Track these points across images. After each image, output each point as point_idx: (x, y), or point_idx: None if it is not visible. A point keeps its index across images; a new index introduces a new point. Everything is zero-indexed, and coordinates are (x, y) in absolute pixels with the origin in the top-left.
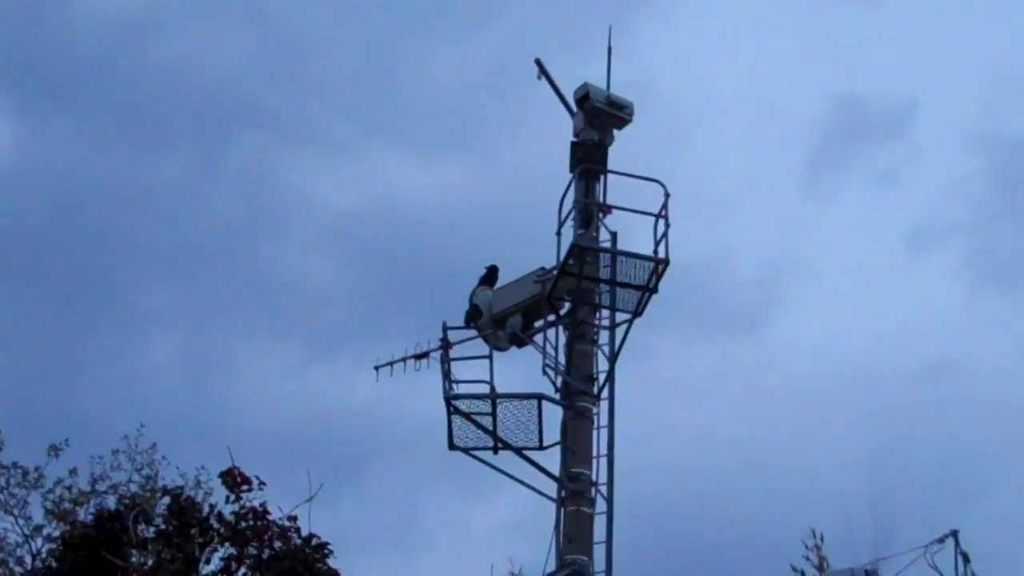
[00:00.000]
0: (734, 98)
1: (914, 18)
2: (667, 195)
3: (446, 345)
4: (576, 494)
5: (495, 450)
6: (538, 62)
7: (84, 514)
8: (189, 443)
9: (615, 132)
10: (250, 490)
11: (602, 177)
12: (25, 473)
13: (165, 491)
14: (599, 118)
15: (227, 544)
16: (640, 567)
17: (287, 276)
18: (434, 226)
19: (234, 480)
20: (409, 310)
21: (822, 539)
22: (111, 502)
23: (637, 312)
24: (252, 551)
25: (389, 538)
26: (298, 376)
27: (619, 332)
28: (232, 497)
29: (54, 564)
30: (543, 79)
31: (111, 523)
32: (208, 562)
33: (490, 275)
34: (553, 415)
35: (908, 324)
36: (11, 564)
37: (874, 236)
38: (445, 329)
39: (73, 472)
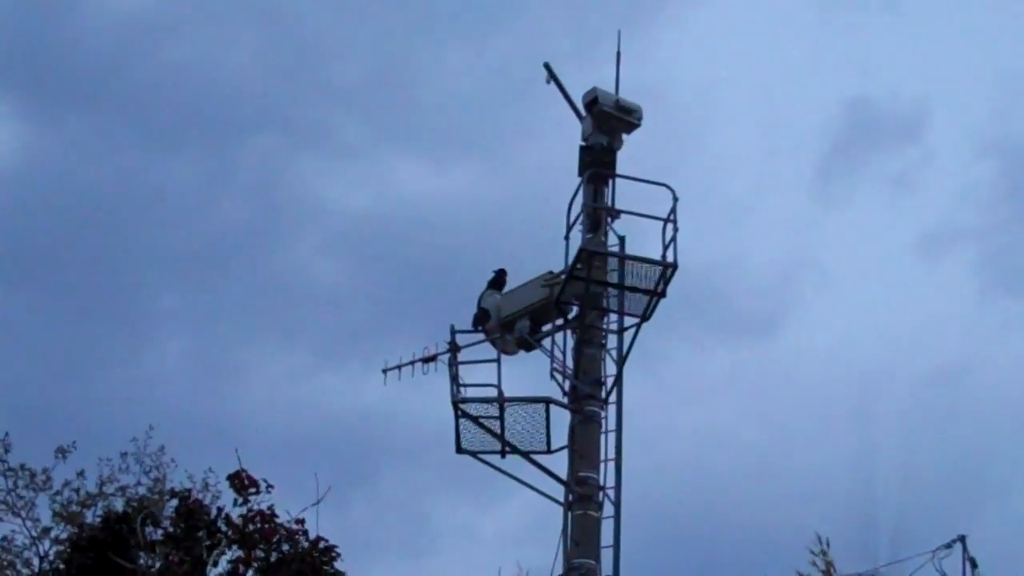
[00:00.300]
0: (746, 102)
1: (926, 22)
2: (675, 199)
3: (454, 349)
4: (584, 498)
5: (503, 454)
6: (547, 66)
7: (92, 516)
8: (199, 446)
9: (624, 136)
10: (258, 493)
11: (611, 181)
12: (33, 475)
13: (173, 494)
14: (608, 122)
15: (235, 547)
16: (648, 571)
17: (298, 279)
18: (445, 229)
19: (242, 483)
20: (419, 313)
21: (828, 544)
22: (119, 504)
23: (645, 316)
24: (260, 554)
25: (399, 541)
26: (308, 379)
27: (627, 336)
28: (240, 500)
29: (62, 566)
30: (552, 83)
31: (119, 525)
32: (216, 565)
33: (498, 279)
34: (561, 419)
35: (919, 328)
36: (19, 566)
37: (886, 240)
38: (453, 333)
39: (81, 474)
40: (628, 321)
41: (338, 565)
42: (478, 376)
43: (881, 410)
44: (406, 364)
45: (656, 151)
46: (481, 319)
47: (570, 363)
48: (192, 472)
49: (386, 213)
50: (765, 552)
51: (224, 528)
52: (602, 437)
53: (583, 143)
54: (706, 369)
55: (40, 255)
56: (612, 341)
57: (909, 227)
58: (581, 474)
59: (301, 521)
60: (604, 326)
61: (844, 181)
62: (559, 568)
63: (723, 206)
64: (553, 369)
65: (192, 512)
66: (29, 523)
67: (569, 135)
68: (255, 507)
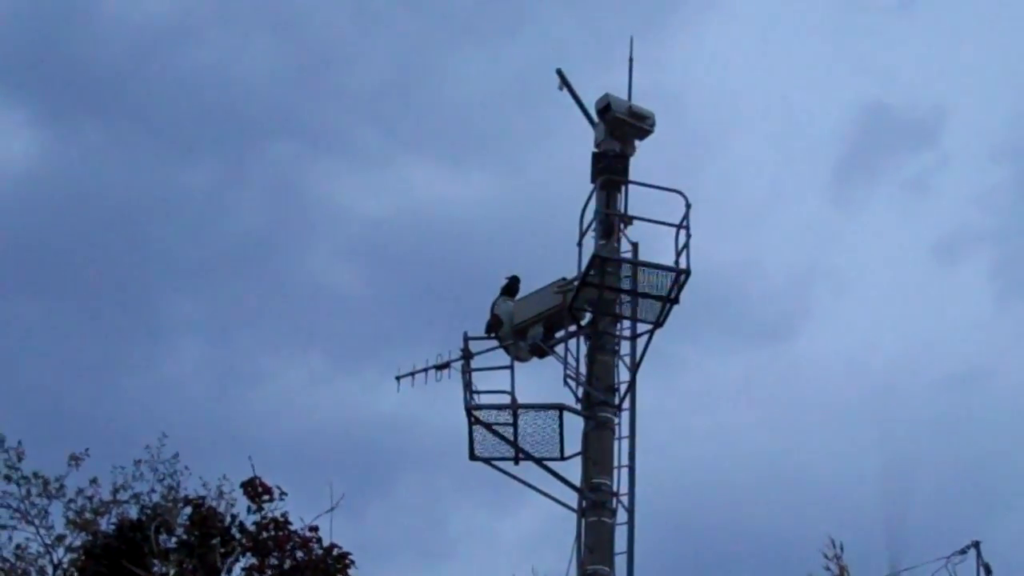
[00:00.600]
0: (762, 107)
1: (943, 26)
2: (688, 205)
3: (467, 355)
4: (597, 504)
5: (516, 460)
6: (559, 72)
7: (106, 524)
8: (214, 453)
9: (636, 143)
10: (271, 500)
11: (623, 188)
12: (46, 483)
13: (187, 501)
14: (620, 129)
15: (248, 554)
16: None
17: (314, 285)
18: (460, 236)
19: (256, 490)
20: (436, 320)
21: (842, 549)
22: (133, 512)
23: (658, 323)
24: (274, 561)
25: (415, 547)
26: (324, 385)
27: (640, 343)
28: (254, 507)
29: (76, 574)
30: (564, 90)
31: (133, 533)
32: (230, 572)
33: (511, 285)
34: (574, 426)
35: (936, 334)
36: (33, 574)
37: (902, 246)
38: (466, 339)
39: (94, 482)
40: (641, 327)
41: (352, 572)
42: (491, 383)
43: (897, 416)
44: (419, 371)
45: (671, 156)
46: (494, 326)
47: (583, 370)
48: (206, 479)
49: (402, 219)
50: (779, 557)
51: (238, 535)
52: (616, 443)
53: (596, 149)
54: (721, 374)
55: (56, 261)
56: (625, 347)
57: (925, 232)
58: (595, 480)
59: (315, 528)
60: (617, 332)
61: (860, 186)
62: (573, 575)
63: (739, 211)
64: (566, 376)
65: (206, 519)
66: (43, 531)
67: (583, 141)
68: (269, 514)
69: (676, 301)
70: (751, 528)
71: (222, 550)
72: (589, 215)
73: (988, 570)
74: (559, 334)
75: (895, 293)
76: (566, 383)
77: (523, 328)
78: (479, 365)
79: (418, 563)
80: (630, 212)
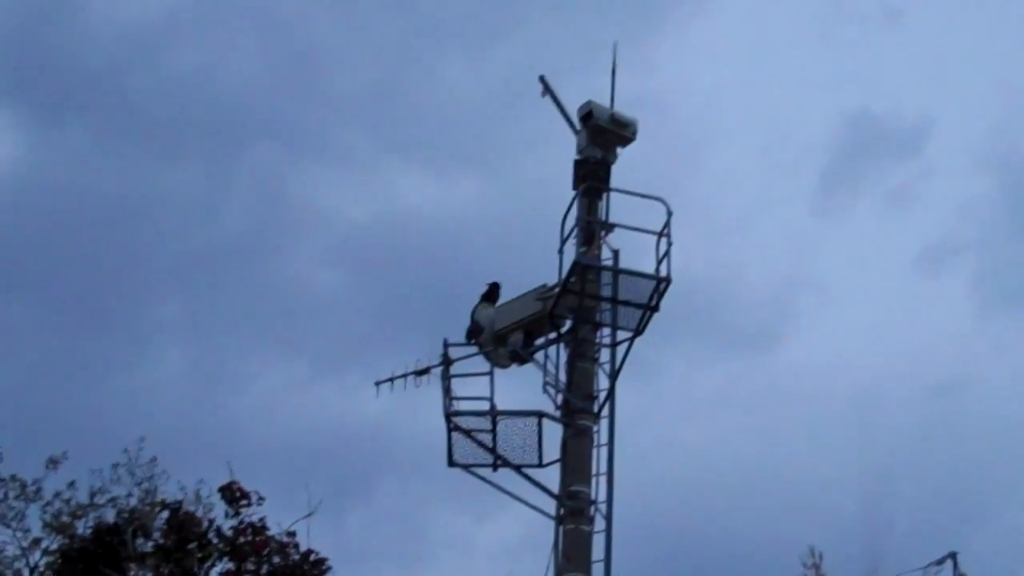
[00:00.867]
0: (747, 115)
1: (928, 37)
2: (669, 213)
3: (447, 362)
4: (575, 512)
5: (495, 467)
6: (542, 79)
7: (83, 527)
8: (195, 456)
9: (619, 150)
10: (249, 505)
11: (605, 195)
12: (24, 486)
13: (164, 505)
14: (603, 136)
15: (226, 559)
16: None
17: (297, 289)
18: (443, 241)
19: (233, 495)
20: (419, 325)
21: (821, 558)
22: (110, 516)
23: (638, 331)
24: (251, 566)
25: (394, 553)
26: (306, 389)
27: (620, 350)
28: (231, 512)
29: None
30: (547, 97)
31: (110, 537)
32: None
33: (492, 292)
34: (553, 433)
35: (917, 344)
36: None
37: (885, 255)
38: (446, 345)
39: (72, 485)
40: (621, 335)
41: None
42: (471, 389)
43: (878, 425)
44: (399, 377)
45: (656, 164)
46: (474, 332)
47: (563, 377)
48: (184, 484)
49: (385, 224)
50: (759, 565)
51: (215, 540)
52: (594, 451)
53: (578, 157)
54: (704, 382)
55: (39, 262)
56: (605, 355)
57: (908, 242)
58: (573, 488)
59: (292, 534)
60: (597, 340)
61: (844, 195)
62: None
63: (723, 219)
64: (546, 383)
65: (183, 524)
66: (20, 534)
67: (567, 148)
68: (246, 519)
69: (656, 309)
70: (731, 536)
71: (199, 555)
72: (570, 222)
73: None
74: (539, 341)
75: (877, 303)
76: (545, 390)
77: (503, 335)
78: (459, 371)
79: (397, 569)
80: (612, 219)
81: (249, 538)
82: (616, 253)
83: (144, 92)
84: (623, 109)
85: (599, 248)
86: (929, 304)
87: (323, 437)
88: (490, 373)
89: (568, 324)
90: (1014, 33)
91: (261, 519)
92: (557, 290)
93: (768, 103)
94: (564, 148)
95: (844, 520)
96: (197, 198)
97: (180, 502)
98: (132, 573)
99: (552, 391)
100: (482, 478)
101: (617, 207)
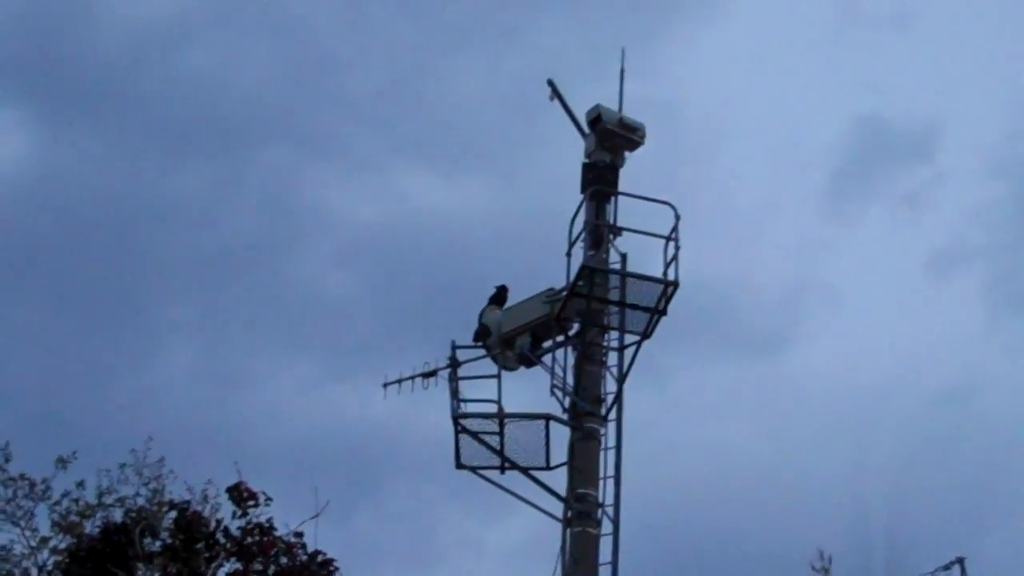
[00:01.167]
0: (757, 119)
1: (939, 41)
2: (677, 217)
3: (454, 364)
4: (582, 515)
5: (502, 469)
6: (551, 83)
7: (91, 527)
8: (204, 457)
9: (627, 154)
10: (257, 506)
11: (613, 199)
12: (32, 485)
13: (172, 505)
14: (611, 140)
15: (233, 559)
16: None
17: (307, 290)
18: (453, 244)
19: (240, 495)
20: (428, 326)
21: (830, 561)
22: (118, 515)
23: (646, 334)
24: (258, 567)
25: (403, 555)
26: (316, 391)
27: (628, 354)
28: (239, 512)
29: None
30: (555, 100)
31: (118, 536)
32: None
33: (499, 295)
34: (560, 436)
35: (927, 348)
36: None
37: (895, 259)
38: (453, 348)
39: (80, 485)
40: (629, 339)
41: None
42: (478, 392)
43: (887, 429)
44: (406, 379)
45: (665, 168)
46: (482, 335)
47: (570, 380)
48: (192, 484)
49: (396, 226)
50: (767, 569)
51: (223, 540)
52: (602, 454)
53: (586, 160)
54: (713, 386)
55: (49, 263)
56: (613, 358)
57: (919, 246)
58: (580, 491)
59: (300, 534)
60: (605, 343)
61: (855, 199)
62: None
63: (733, 223)
64: (553, 386)
65: (191, 524)
66: (28, 533)
67: (575, 152)
68: (254, 520)
69: (664, 313)
70: (739, 540)
71: (207, 555)
72: (579, 225)
73: None
74: (547, 344)
75: (888, 307)
76: (553, 393)
77: (511, 337)
78: (466, 374)
79: (406, 571)
80: (620, 223)
81: (257, 538)
82: (624, 257)
83: (155, 92)
84: (632, 113)
85: (607, 252)
86: (939, 309)
87: (332, 438)
88: (498, 376)
89: (576, 327)
90: None
91: (268, 519)
92: (565, 293)
93: (778, 107)
94: (572, 152)
95: (853, 524)
96: (207, 199)
97: (188, 502)
98: (140, 573)
99: (560, 394)
100: (489, 480)
101: (625, 211)
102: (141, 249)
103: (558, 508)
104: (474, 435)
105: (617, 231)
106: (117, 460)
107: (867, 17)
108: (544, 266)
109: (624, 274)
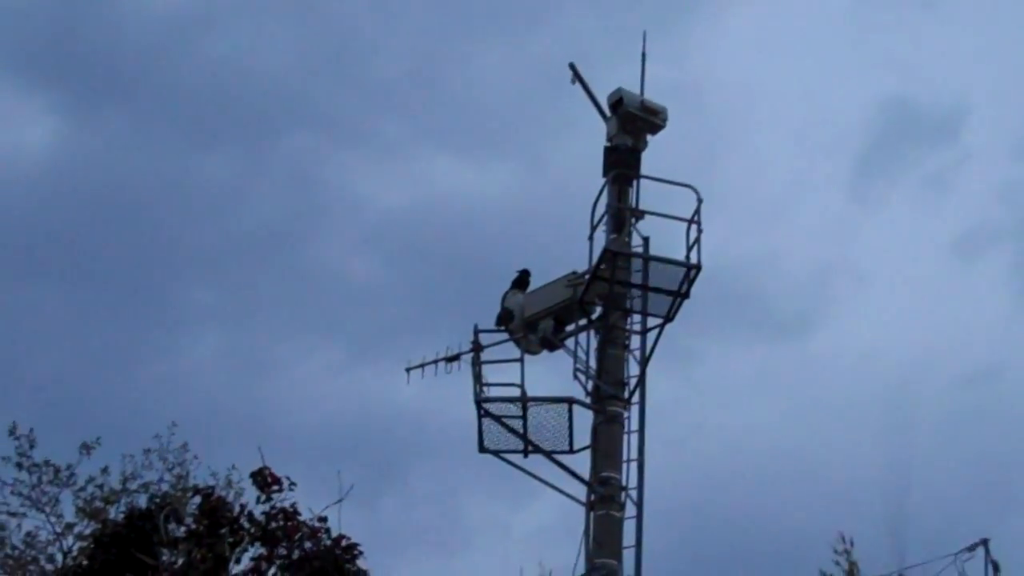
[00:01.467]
0: (783, 101)
1: (964, 21)
2: (700, 200)
3: (477, 348)
4: (606, 498)
5: (525, 453)
6: (572, 67)
7: (115, 513)
8: (231, 442)
9: (649, 137)
10: (281, 491)
11: (635, 182)
12: (57, 471)
13: (196, 490)
14: (633, 123)
15: (257, 544)
16: (670, 571)
17: (332, 275)
18: (477, 227)
19: (264, 480)
20: (454, 311)
21: (852, 544)
22: (142, 501)
23: (669, 317)
24: (282, 551)
25: (429, 539)
26: (341, 375)
27: (650, 337)
28: (263, 497)
29: (85, 562)
30: (577, 84)
31: (142, 522)
32: (238, 562)
33: (522, 279)
34: (584, 419)
35: (954, 330)
36: (42, 562)
37: (921, 242)
38: (476, 332)
39: (104, 471)
40: (651, 322)
41: (362, 563)
42: (502, 376)
43: (913, 412)
44: (429, 363)
45: (689, 151)
46: (504, 319)
47: (593, 363)
48: (216, 469)
49: (421, 210)
50: (790, 552)
51: (247, 525)
52: (625, 437)
53: (607, 144)
54: (738, 369)
55: (75, 249)
56: (636, 342)
57: (945, 228)
58: (603, 474)
59: (324, 519)
60: (628, 327)
61: (880, 181)
62: (581, 568)
63: (759, 205)
64: (576, 369)
65: (215, 509)
66: (53, 519)
67: (598, 135)
68: (278, 505)
69: (687, 296)
70: (763, 523)
71: (231, 540)
72: (601, 209)
73: (996, 568)
74: (569, 328)
75: (914, 289)
76: (576, 377)
77: (533, 321)
78: (489, 358)
79: (433, 555)
80: (643, 206)
81: (281, 523)
82: (646, 240)
83: (181, 79)
84: (655, 96)
85: (629, 235)
86: (966, 289)
87: (357, 423)
88: (520, 359)
89: (598, 311)
90: None
91: (292, 504)
92: (587, 277)
93: (803, 89)
94: (595, 135)
95: (876, 506)
96: (233, 184)
97: (212, 487)
98: (164, 558)
99: (583, 377)
100: (513, 464)
101: (648, 194)
102: (167, 235)
103: (582, 492)
104: (497, 419)
105: (639, 214)
106: (142, 446)
107: None
108: (567, 250)
109: (647, 257)
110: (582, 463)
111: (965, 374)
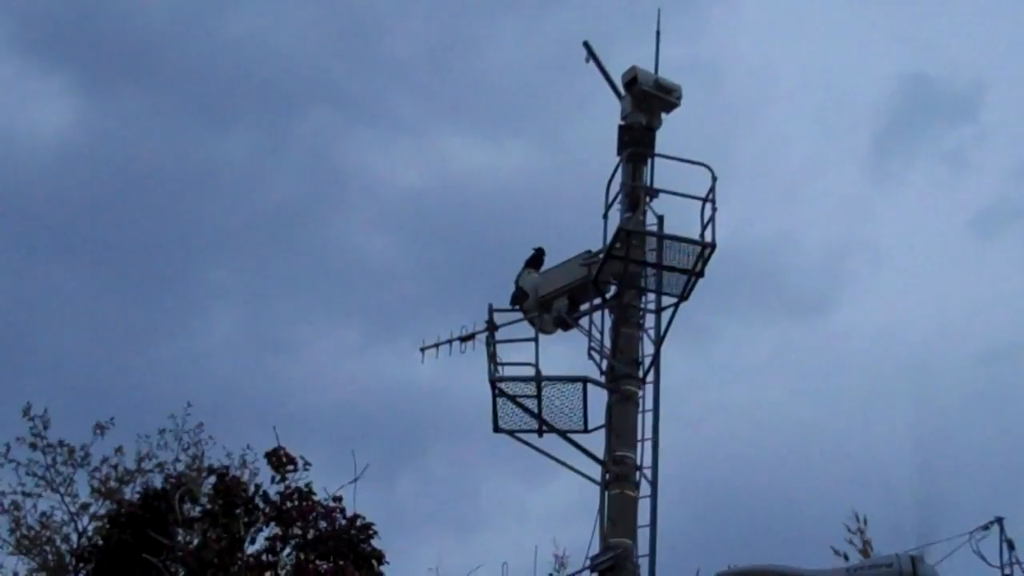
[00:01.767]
0: (801, 79)
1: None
2: (714, 178)
3: (492, 328)
4: (620, 477)
5: (540, 433)
6: (586, 44)
7: (130, 493)
8: (247, 421)
9: (663, 115)
10: (295, 470)
11: (649, 161)
12: (72, 451)
13: (211, 470)
14: (647, 101)
15: (272, 524)
16: (685, 550)
17: (350, 254)
18: (493, 206)
19: (280, 460)
20: (471, 290)
21: (865, 522)
22: (157, 481)
23: (683, 296)
24: (297, 531)
25: (446, 518)
26: (358, 355)
27: (665, 316)
28: (277, 477)
29: (100, 542)
30: (591, 62)
31: (157, 502)
32: (253, 542)
33: (536, 258)
34: (598, 398)
35: (972, 308)
36: (58, 542)
37: (940, 219)
38: (491, 312)
39: (119, 451)
40: (666, 301)
41: (377, 542)
42: (516, 355)
43: (931, 390)
44: (444, 343)
45: (706, 129)
46: (519, 298)
47: (608, 343)
48: (231, 449)
49: (437, 189)
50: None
51: (262, 505)
52: (639, 417)
53: (622, 122)
54: (756, 347)
55: (92, 229)
56: (650, 321)
57: (963, 206)
58: (618, 453)
59: (338, 499)
60: (642, 306)
61: (899, 159)
62: (596, 547)
63: (777, 183)
64: (591, 348)
65: (230, 489)
66: (68, 499)
67: (613, 114)
68: (293, 485)
69: (701, 275)
70: (779, 501)
71: (246, 520)
72: (615, 188)
73: (1011, 546)
74: (584, 307)
75: (932, 267)
76: (590, 356)
77: (548, 300)
78: (504, 337)
79: (450, 534)
80: (658, 185)
81: (295, 503)
82: (661, 219)
83: (198, 58)
84: (673, 75)
85: (644, 214)
86: (984, 267)
87: (374, 402)
88: (535, 339)
89: (613, 290)
90: None
91: (307, 484)
92: (602, 256)
93: (820, 66)
94: (610, 114)
95: (893, 484)
96: (250, 164)
97: (227, 467)
98: (179, 538)
99: (597, 357)
100: (528, 444)
101: (663, 173)
102: (184, 214)
103: (596, 471)
104: (512, 399)
105: (654, 193)
106: (157, 426)
107: None
108: (581, 229)
109: (661, 236)
110: (597, 442)
111: (983, 352)
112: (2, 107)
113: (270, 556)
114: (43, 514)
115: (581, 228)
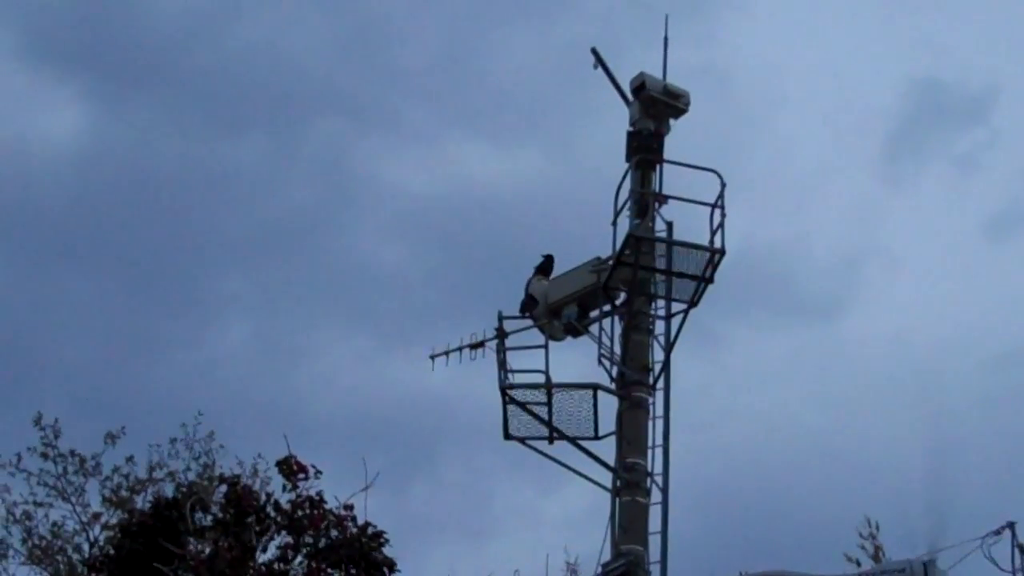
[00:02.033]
0: (812, 82)
1: (996, 3)
2: (723, 184)
3: (501, 335)
4: (631, 484)
5: (550, 440)
6: (594, 51)
7: (142, 502)
8: (259, 430)
9: (672, 121)
10: (307, 479)
11: (658, 167)
12: (83, 461)
13: (222, 479)
14: (655, 107)
15: (283, 532)
16: (696, 557)
17: (362, 262)
18: (503, 213)
19: (291, 469)
20: (483, 297)
21: (877, 528)
22: (169, 490)
23: (693, 302)
24: (308, 539)
25: (460, 525)
26: (370, 363)
27: (675, 322)
28: (289, 486)
29: (112, 551)
30: (599, 69)
31: (168, 511)
32: (265, 550)
33: (546, 264)
34: (609, 405)
35: (985, 312)
36: (69, 551)
37: (952, 223)
38: (500, 319)
39: (130, 460)
40: (676, 307)
41: (389, 550)
42: (526, 362)
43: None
44: (453, 350)
45: (716, 135)
46: (528, 305)
47: (618, 349)
48: (242, 458)
49: (449, 196)
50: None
51: (273, 514)
52: (650, 423)
53: (630, 128)
54: (768, 353)
55: (104, 237)
56: (660, 327)
57: (976, 210)
58: (629, 460)
59: (350, 507)
60: (652, 312)
61: (909, 163)
62: (607, 554)
63: (788, 187)
64: (601, 355)
65: (241, 498)
66: (79, 508)
67: (622, 120)
68: (304, 493)
69: (711, 281)
70: (791, 508)
71: (257, 528)
72: (624, 194)
73: (1023, 551)
74: (593, 313)
75: (944, 272)
76: (600, 363)
77: (557, 307)
78: (514, 344)
79: (462, 541)
80: (667, 191)
81: (307, 511)
82: (670, 225)
83: (209, 65)
84: (682, 80)
85: (653, 220)
86: (997, 272)
87: (386, 410)
88: (545, 346)
89: (622, 296)
90: None
91: (319, 493)
92: (611, 262)
93: (831, 70)
94: (619, 120)
95: (905, 489)
96: (261, 171)
97: (238, 476)
98: (191, 547)
99: (607, 363)
100: (538, 451)
101: (672, 179)
102: (196, 222)
103: (607, 478)
104: (522, 406)
105: (663, 199)
106: (168, 435)
107: None
108: (590, 235)
109: (670, 242)
110: (607, 449)
111: (996, 356)
112: (14, 116)
113: (282, 565)
114: (55, 524)
115: (590, 235)
